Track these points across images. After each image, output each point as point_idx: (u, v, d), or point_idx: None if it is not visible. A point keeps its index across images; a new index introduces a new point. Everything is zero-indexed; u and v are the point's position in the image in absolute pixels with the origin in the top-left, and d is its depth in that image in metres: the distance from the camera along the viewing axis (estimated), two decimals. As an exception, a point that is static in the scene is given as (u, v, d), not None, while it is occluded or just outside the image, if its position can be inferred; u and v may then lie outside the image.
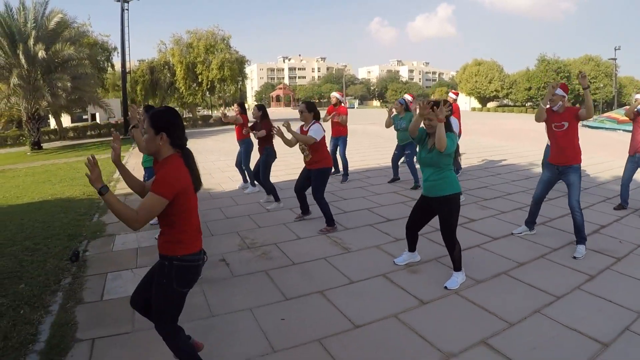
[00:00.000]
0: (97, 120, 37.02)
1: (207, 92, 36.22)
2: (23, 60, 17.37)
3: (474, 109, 59.69)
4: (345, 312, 3.33)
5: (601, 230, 5.18)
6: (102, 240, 5.55)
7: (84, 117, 39.14)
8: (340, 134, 8.48)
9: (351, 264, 4.30)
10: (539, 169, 7.25)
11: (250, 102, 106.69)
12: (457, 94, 8.63)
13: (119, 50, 27.06)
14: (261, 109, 6.79)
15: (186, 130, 2.44)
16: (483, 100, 59.97)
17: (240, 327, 3.17)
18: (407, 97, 8.99)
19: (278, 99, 73.75)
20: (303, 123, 5.44)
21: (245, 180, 8.13)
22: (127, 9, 25.08)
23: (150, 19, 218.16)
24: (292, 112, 42.29)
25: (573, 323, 3.04)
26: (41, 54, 17.25)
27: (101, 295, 3.90)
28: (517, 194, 7.24)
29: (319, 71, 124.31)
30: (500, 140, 16.54)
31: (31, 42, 17.89)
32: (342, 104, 8.73)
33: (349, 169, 8.82)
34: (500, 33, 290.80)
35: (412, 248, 4.23)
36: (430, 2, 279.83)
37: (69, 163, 14.54)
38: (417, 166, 7.53)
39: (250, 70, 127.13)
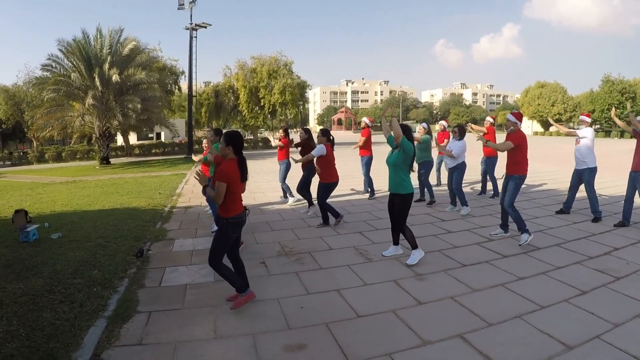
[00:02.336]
0: (162, 139, 40.71)
1: (269, 115, 38.43)
2: (98, 83, 20.04)
3: (536, 133, 57.51)
4: (352, 305, 4.10)
5: (613, 253, 5.49)
6: (163, 242, 6.68)
7: (150, 135, 43.16)
8: (363, 155, 9.77)
9: (369, 271, 5.05)
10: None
11: (312, 125, 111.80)
12: (494, 118, 9.94)
13: (186, 74, 29.89)
14: (307, 132, 8.42)
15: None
16: (546, 124, 57.86)
17: (267, 311, 4.01)
18: (443, 123, 9.95)
19: (339, 122, 75.93)
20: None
21: (284, 196, 9.62)
22: (196, 37, 27.82)
23: (217, 44, 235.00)
24: (354, 136, 43.43)
25: (546, 328, 3.52)
26: (115, 77, 19.86)
27: (159, 283, 4.90)
28: (545, 217, 7.54)
29: (381, 94, 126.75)
30: (550, 165, 16.20)
31: (106, 66, 20.67)
32: (369, 128, 9.85)
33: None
34: (566, 53, 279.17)
35: (395, 242, 5.50)
36: (495, 22, 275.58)
37: (135, 177, 16.44)
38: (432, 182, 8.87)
39: (313, 93, 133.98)
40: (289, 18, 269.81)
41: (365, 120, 9.82)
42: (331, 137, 7.26)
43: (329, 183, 7.15)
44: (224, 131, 4.28)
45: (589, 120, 7.34)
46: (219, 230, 4.03)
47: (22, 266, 5.51)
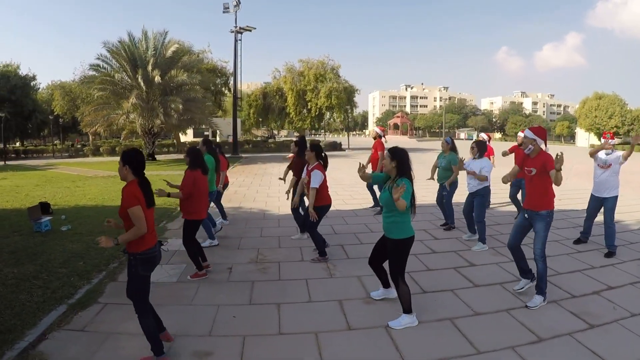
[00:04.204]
0: (217, 137, 42.98)
1: (316, 119, 39.55)
2: (142, 83, 21.76)
3: (592, 146, 54.48)
4: (282, 321, 4.40)
5: (604, 292, 5.02)
6: (156, 241, 7.36)
7: (205, 133, 45.67)
8: (374, 169, 9.37)
9: (325, 287, 5.25)
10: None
11: (371, 129, 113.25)
12: (488, 136, 9.31)
13: (240, 75, 31.64)
14: (299, 144, 7.35)
15: None
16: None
17: (200, 316, 4.49)
18: (484, 135, 9.56)
19: (396, 127, 76.09)
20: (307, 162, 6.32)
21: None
22: (240, 40, 29.31)
23: (274, 45, 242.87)
24: (409, 142, 42.99)
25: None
26: (157, 79, 21.47)
27: (129, 279, 5.52)
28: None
29: (440, 100, 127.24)
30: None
31: (149, 67, 22.42)
32: (382, 138, 9.54)
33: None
34: (629, 63, 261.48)
35: (385, 285, 4.77)
36: (559, 30, 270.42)
37: (170, 175, 17.64)
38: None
39: (372, 97, 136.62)
40: (349, 22, 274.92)
41: (376, 130, 9.63)
42: (323, 155, 6.38)
43: (321, 207, 6.16)
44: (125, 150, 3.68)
45: (614, 142, 6.58)
46: (129, 270, 3.49)
47: (24, 253, 6.44)
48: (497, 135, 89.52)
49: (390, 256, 4.24)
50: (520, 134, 8.19)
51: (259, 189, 14.21)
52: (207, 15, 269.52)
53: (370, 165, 9.37)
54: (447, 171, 7.83)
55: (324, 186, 6.18)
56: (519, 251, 4.93)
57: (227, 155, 9.45)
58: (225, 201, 10.80)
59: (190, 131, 39.20)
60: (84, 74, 25.26)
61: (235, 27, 29.12)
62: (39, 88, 45.86)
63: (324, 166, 6.29)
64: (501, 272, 5.75)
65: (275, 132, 72.72)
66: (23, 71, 41.67)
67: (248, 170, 20.32)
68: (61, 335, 4.03)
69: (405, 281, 4.17)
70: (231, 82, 36.23)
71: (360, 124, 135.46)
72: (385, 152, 4.25)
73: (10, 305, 4.58)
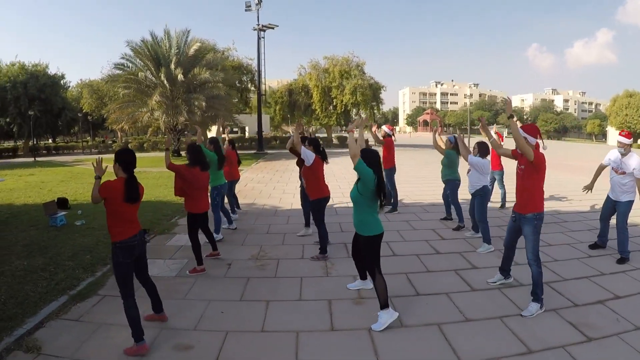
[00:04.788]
0: (246, 134, 43.78)
1: (342, 115, 39.71)
2: (165, 81, 22.36)
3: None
4: (268, 319, 4.50)
5: (609, 302, 4.76)
6: (165, 236, 7.68)
7: (235, 129, 46.65)
8: (385, 167, 9.29)
9: (318, 286, 5.32)
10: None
11: (402, 125, 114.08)
12: (498, 134, 9.25)
13: (263, 73, 32.10)
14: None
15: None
16: (634, 135, 53.26)
17: (189, 310, 4.64)
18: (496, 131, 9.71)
19: (425, 123, 75.49)
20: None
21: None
22: (263, 37, 29.70)
23: (302, 42, 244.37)
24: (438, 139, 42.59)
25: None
26: (180, 77, 22.04)
27: (131, 272, 5.75)
28: (558, 246, 6.74)
29: (471, 97, 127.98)
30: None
31: (172, 66, 23.05)
32: (392, 137, 9.72)
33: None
34: None
35: (362, 277, 5.10)
36: (590, 27, 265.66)
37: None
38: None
39: (403, 93, 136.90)
40: (377, 19, 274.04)
41: (384, 128, 9.80)
42: (321, 149, 6.77)
43: (318, 199, 6.48)
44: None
45: (629, 141, 6.11)
46: (112, 258, 3.91)
47: (37, 246, 6.81)
48: None
49: (364, 251, 4.44)
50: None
51: (276, 185, 14.42)
52: (232, 12, 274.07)
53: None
54: (448, 168, 8.11)
55: (320, 179, 6.57)
56: (511, 251, 5.07)
57: (252, 152, 9.69)
58: (241, 197, 11.08)
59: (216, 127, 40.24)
60: (110, 72, 26.12)
61: (258, 25, 29.51)
62: (69, 86, 47.85)
63: (322, 159, 6.69)
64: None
65: (306, 127, 73.36)
66: (52, 70, 43.61)
67: (270, 167, 20.59)
68: (57, 324, 4.28)
69: (382, 275, 4.26)
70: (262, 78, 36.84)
71: (390, 121, 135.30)
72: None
73: (15, 295, 4.89)
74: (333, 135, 43.37)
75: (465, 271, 5.78)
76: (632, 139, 6.33)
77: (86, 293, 5.04)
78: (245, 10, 29.63)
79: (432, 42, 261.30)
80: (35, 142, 42.74)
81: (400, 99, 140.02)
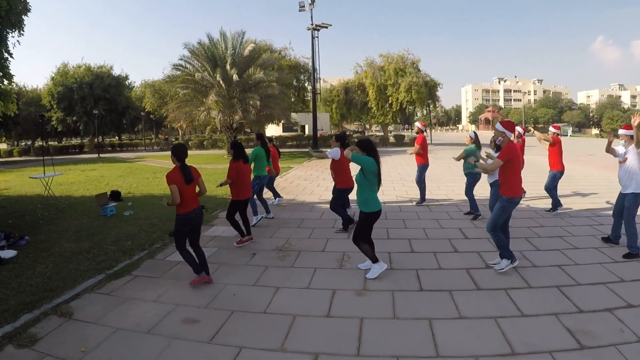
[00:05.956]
0: (306, 131, 44.97)
1: (398, 113, 39.75)
2: (221, 81, 23.59)
3: None
4: (273, 303, 4.92)
5: (617, 310, 4.52)
6: (204, 227, 8.31)
7: (294, 128, 48.17)
8: (417, 163, 10.12)
9: (332, 276, 5.64)
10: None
11: (464, 123, 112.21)
12: (558, 128, 9.22)
13: (318, 72, 32.84)
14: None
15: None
16: None
17: (206, 291, 5.18)
18: (519, 129, 9.84)
19: (487, 121, 73.27)
20: None
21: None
22: (317, 37, 30.36)
23: (359, 40, 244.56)
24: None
25: None
26: (235, 77, 23.16)
27: (165, 257, 6.48)
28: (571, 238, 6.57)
29: (534, 94, 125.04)
30: None
31: (228, 66, 24.24)
32: (423, 133, 10.09)
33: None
34: None
35: (373, 259, 5.60)
36: None
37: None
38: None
39: (465, 91, 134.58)
40: (439, 16, 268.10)
41: (418, 125, 10.13)
42: (346, 142, 7.46)
43: (343, 189, 7.78)
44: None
45: (630, 133, 6.39)
46: (175, 223, 5.26)
47: (86, 233, 7.75)
48: (595, 131, 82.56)
49: (359, 224, 5.47)
50: (552, 129, 9.07)
51: (321, 182, 14.80)
52: (292, 11, 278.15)
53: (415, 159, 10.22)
54: (469, 163, 8.62)
55: (347, 170, 7.71)
56: (504, 234, 5.77)
57: (306, 150, 10.48)
58: (284, 193, 11.71)
59: (279, 125, 42.18)
60: (170, 73, 27.86)
61: (312, 24, 30.21)
62: (133, 86, 51.46)
63: None
64: (512, 276, 5.50)
65: (368, 126, 74.43)
66: (116, 71, 47.16)
67: (320, 164, 21.04)
68: (91, 297, 5.00)
69: (367, 240, 5.47)
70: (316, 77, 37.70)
71: (453, 119, 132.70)
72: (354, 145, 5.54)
73: (59, 272, 5.73)
74: (389, 134, 43.48)
75: (477, 270, 5.75)
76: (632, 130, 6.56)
77: (121, 273, 5.77)
78: (299, 11, 30.41)
79: (497, 37, 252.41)
80: (101, 139, 46.37)
81: (462, 96, 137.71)
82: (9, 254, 6.43)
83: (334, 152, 6.81)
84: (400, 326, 4.27)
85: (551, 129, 9.09)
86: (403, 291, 5.08)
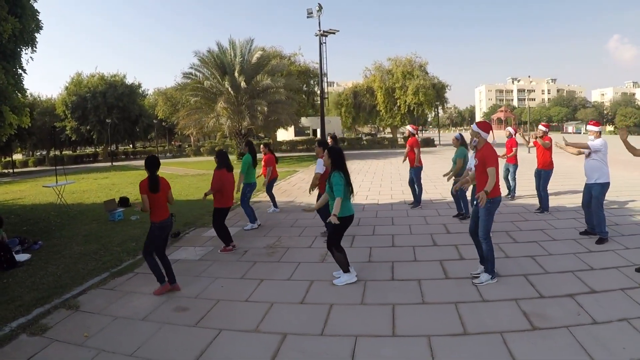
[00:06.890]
0: (317, 135, 45.84)
1: (407, 115, 40.24)
2: (229, 89, 24.43)
3: None
4: (255, 294, 5.46)
5: (579, 296, 4.74)
6: (205, 228, 9.00)
7: (306, 132, 49.13)
8: (411, 165, 10.13)
9: (312, 271, 6.18)
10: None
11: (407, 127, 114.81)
12: (547, 126, 9.33)
13: (326, 76, 33.61)
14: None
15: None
16: None
17: (197, 284, 5.78)
18: (510, 129, 10.18)
19: (499, 121, 72.90)
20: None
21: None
22: (325, 42, 30.96)
23: (368, 45, 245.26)
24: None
25: None
26: (243, 84, 23.99)
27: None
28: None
29: (548, 93, 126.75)
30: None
31: (236, 74, 25.10)
32: (415, 136, 10.27)
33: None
34: None
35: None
36: None
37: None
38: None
39: (479, 91, 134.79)
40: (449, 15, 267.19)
41: (409, 128, 10.41)
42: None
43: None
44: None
45: (597, 129, 7.00)
46: (149, 231, 5.56)
47: (95, 236, 8.46)
48: (609, 128, 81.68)
49: (330, 229, 5.49)
50: (542, 128, 9.13)
51: (321, 185, 15.30)
52: (301, 18, 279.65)
53: (407, 162, 10.26)
54: (455, 164, 8.74)
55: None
56: (477, 237, 5.44)
57: (314, 154, 11.11)
58: (284, 195, 12.27)
59: (291, 129, 43.58)
60: (181, 81, 28.78)
61: (320, 30, 30.83)
62: (147, 95, 52.75)
63: None
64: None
65: (380, 129, 75.19)
66: (129, 80, 48.49)
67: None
68: (96, 292, 5.64)
69: (339, 248, 5.48)
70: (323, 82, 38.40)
71: (467, 119, 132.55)
72: (326, 151, 5.59)
73: (69, 271, 6.42)
74: (398, 135, 44.00)
75: (449, 262, 6.20)
76: (600, 127, 7.09)
77: (124, 271, 6.42)
78: (307, 17, 31.05)
79: (510, 33, 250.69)
80: (115, 148, 47.66)
81: (476, 97, 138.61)
82: (23, 257, 7.13)
83: (320, 167, 7.22)
84: (365, 311, 4.77)
85: (541, 127, 9.24)
86: (375, 281, 5.59)
